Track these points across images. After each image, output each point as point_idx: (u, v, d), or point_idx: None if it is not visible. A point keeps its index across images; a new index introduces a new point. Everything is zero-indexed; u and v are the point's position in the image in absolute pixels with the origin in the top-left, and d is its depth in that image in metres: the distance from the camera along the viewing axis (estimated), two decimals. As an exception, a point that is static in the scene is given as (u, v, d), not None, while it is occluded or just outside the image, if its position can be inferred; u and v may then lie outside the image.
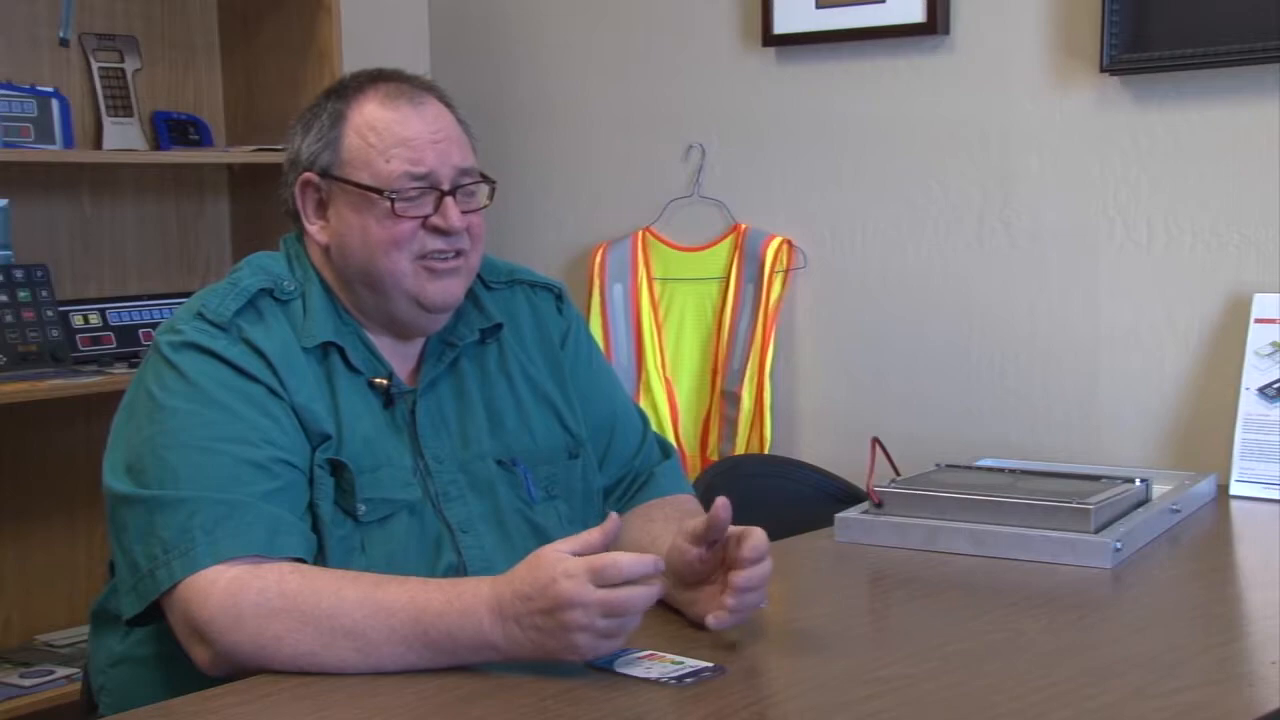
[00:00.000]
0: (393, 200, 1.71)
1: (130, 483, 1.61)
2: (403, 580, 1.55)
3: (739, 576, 1.59)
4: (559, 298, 1.96)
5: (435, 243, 1.74)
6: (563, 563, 1.45)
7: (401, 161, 1.72)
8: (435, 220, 1.73)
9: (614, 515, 1.54)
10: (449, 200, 1.74)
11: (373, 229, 1.72)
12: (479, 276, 1.86)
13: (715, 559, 1.64)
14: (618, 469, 1.94)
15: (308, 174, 1.77)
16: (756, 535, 1.60)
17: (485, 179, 1.80)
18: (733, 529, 1.61)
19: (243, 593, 1.52)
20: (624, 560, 1.46)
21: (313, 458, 1.66)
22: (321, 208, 1.77)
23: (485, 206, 1.80)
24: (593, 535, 1.50)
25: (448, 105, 1.80)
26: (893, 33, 2.77)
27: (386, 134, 1.73)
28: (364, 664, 1.51)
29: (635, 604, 1.46)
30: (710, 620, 1.59)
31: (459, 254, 1.76)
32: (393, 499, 1.70)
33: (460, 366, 1.83)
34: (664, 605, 1.74)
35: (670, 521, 1.83)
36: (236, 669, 1.53)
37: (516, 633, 1.47)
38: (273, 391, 1.65)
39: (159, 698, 1.54)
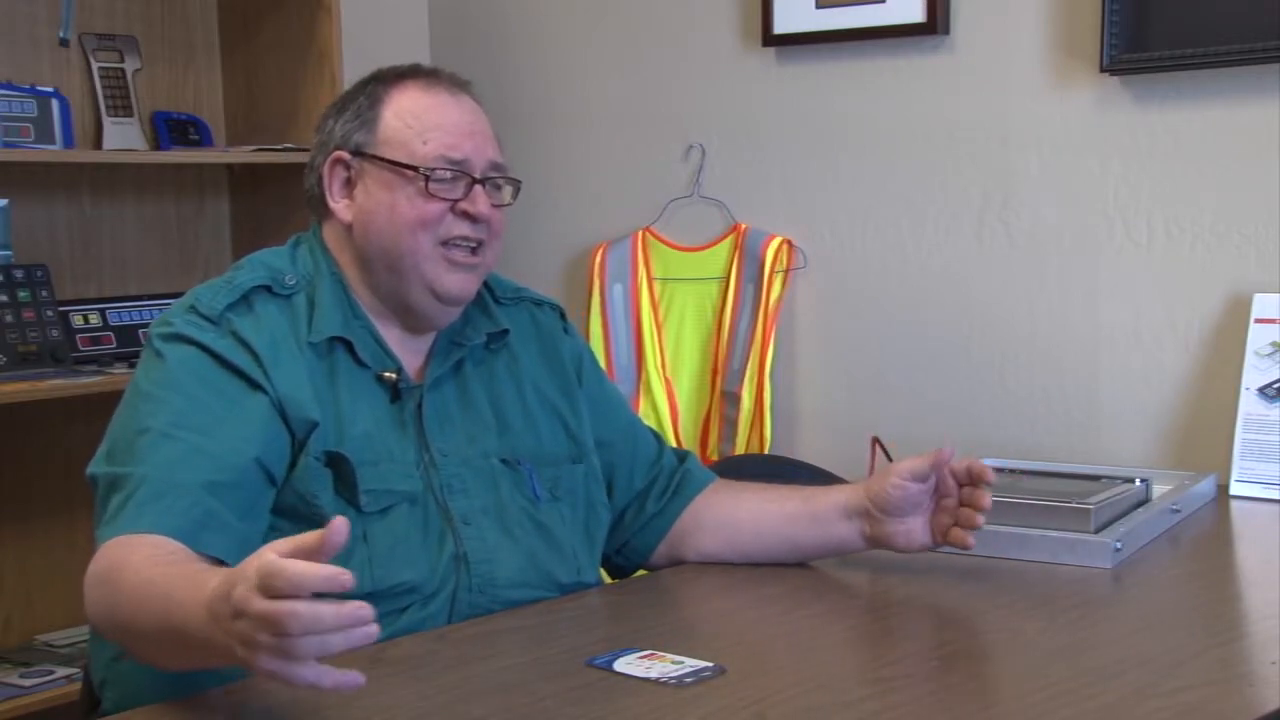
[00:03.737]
0: (427, 178, 1.75)
1: (101, 464, 1.64)
2: (184, 566, 1.47)
3: (983, 499, 1.81)
4: (562, 316, 2.00)
5: (460, 228, 1.77)
6: (250, 564, 1.25)
7: (438, 145, 1.76)
8: (464, 205, 1.77)
9: (340, 520, 1.24)
10: (479, 188, 1.78)
11: (402, 206, 1.75)
12: (489, 290, 1.90)
13: (929, 489, 1.84)
14: (646, 471, 1.98)
15: (339, 152, 1.80)
16: (978, 462, 1.81)
17: (511, 179, 1.84)
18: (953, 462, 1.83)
19: (98, 561, 1.53)
20: (293, 569, 1.21)
21: (302, 450, 1.67)
22: (349, 186, 1.80)
23: (509, 204, 1.84)
24: (308, 538, 1.25)
25: (481, 105, 1.85)
26: (893, 33, 2.77)
27: (425, 117, 1.78)
28: (160, 655, 1.46)
29: (298, 622, 1.21)
30: (970, 540, 1.81)
31: (478, 248, 1.79)
32: (394, 490, 1.72)
33: (467, 368, 1.85)
34: (668, 602, 1.74)
35: (755, 493, 1.97)
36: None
37: (220, 636, 1.28)
38: (255, 385, 1.66)
39: (162, 691, 1.54)
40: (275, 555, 1.23)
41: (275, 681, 1.26)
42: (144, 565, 1.48)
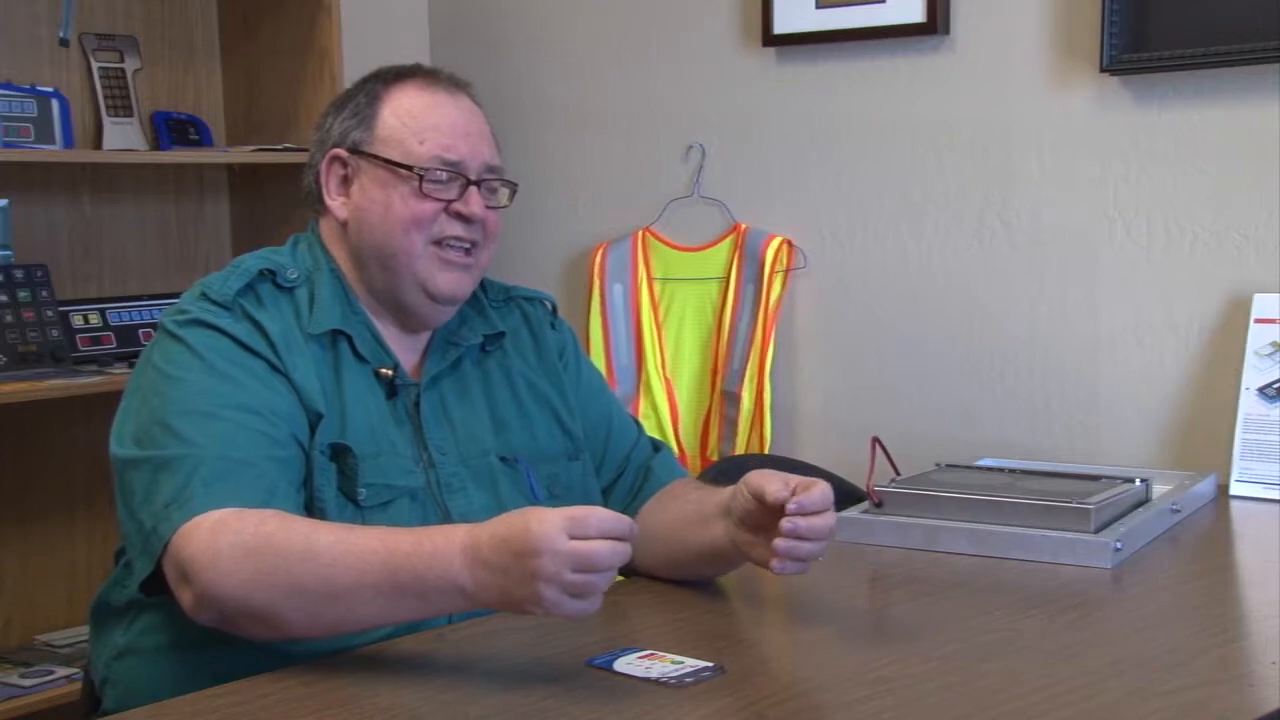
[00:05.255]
0: (421, 178, 1.75)
1: (136, 449, 1.63)
2: (377, 527, 1.57)
3: (785, 523, 1.60)
4: (553, 310, 2.00)
5: (454, 228, 1.78)
6: (540, 511, 1.45)
7: (434, 145, 1.77)
8: (458, 206, 1.77)
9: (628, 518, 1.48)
10: (473, 190, 1.79)
11: (396, 205, 1.76)
12: (484, 291, 1.90)
13: (776, 510, 1.63)
14: (615, 466, 1.97)
15: (336, 149, 1.81)
16: (813, 489, 1.61)
17: (507, 182, 1.84)
18: (798, 479, 1.63)
19: (223, 533, 1.53)
20: (600, 513, 1.45)
21: (311, 442, 1.67)
22: (345, 184, 1.81)
23: (505, 207, 1.84)
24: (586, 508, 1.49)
25: (480, 106, 1.86)
26: (893, 33, 2.77)
27: (423, 117, 1.79)
28: (339, 612, 1.52)
29: (605, 559, 1.43)
30: (773, 565, 1.61)
31: (472, 249, 1.79)
32: (394, 485, 1.72)
33: (463, 367, 1.85)
34: (668, 602, 1.74)
35: (683, 503, 1.87)
36: (216, 612, 1.53)
37: (485, 576, 1.46)
38: (274, 367, 1.68)
39: (164, 687, 1.55)
40: (573, 508, 1.45)
41: (550, 615, 1.45)
42: (313, 532, 1.53)
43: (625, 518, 1.46)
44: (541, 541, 1.42)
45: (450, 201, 1.77)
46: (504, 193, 1.84)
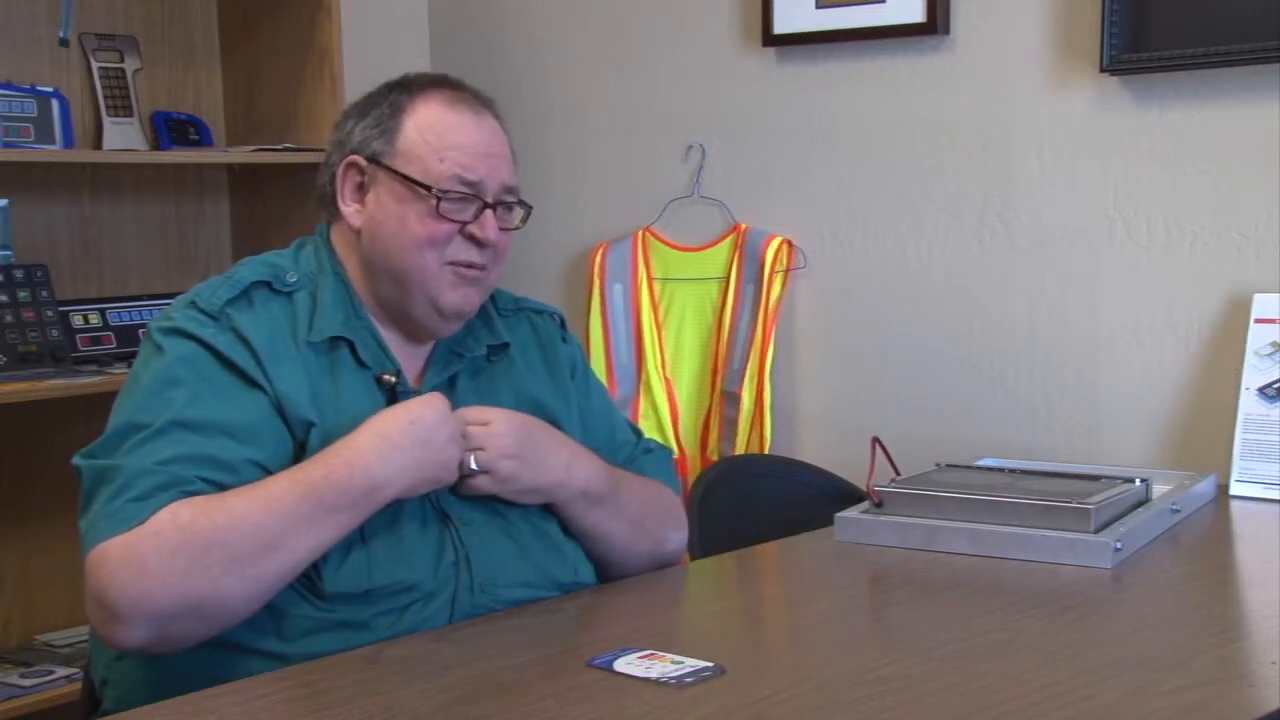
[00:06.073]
0: (439, 199, 1.75)
1: (93, 452, 1.63)
2: (280, 473, 1.62)
3: None
4: (562, 325, 2.00)
5: (466, 252, 1.77)
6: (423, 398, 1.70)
7: (454, 165, 1.76)
8: (473, 229, 1.77)
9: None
10: (489, 213, 1.78)
11: (411, 222, 1.76)
12: (492, 301, 1.90)
13: None
14: None
15: (355, 156, 1.80)
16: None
17: (523, 203, 1.84)
18: None
19: (139, 543, 1.53)
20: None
21: (303, 450, 1.67)
22: (360, 192, 1.80)
23: (518, 228, 1.84)
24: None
25: (503, 125, 1.85)
26: (893, 33, 2.78)
27: (446, 135, 1.78)
28: (279, 560, 1.56)
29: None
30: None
31: (483, 267, 1.79)
32: None
33: (465, 377, 1.85)
34: (668, 602, 1.74)
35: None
36: (151, 627, 1.53)
37: (400, 458, 1.63)
38: (253, 383, 1.67)
39: (164, 688, 1.54)
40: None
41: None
42: (224, 502, 1.56)
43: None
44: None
45: (465, 224, 1.76)
46: (519, 213, 1.84)
